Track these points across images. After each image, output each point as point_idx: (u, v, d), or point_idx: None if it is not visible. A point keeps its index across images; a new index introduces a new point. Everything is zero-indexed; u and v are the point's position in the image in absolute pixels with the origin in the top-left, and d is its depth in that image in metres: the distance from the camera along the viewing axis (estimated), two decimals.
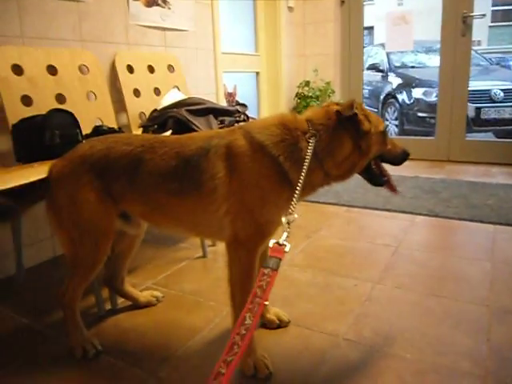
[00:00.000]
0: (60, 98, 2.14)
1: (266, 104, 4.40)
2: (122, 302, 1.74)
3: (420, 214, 2.67)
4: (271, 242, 1.04)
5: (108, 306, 1.71)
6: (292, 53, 4.44)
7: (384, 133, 1.34)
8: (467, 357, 1.35)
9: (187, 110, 2.22)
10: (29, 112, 1.95)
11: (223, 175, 1.24)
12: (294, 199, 1.13)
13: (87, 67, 2.32)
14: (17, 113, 1.91)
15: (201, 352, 1.42)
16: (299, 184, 1.14)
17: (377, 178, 1.38)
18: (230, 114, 2.44)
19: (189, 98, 2.41)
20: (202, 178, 1.25)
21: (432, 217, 2.63)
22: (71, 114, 1.85)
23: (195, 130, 2.10)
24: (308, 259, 2.09)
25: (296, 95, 4.45)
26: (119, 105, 2.50)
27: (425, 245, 2.29)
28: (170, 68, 2.87)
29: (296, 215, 1.11)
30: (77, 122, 1.85)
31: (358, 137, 1.26)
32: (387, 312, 1.62)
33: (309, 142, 1.22)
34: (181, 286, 1.87)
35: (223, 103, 3.52)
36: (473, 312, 1.60)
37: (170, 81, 2.82)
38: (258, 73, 4.29)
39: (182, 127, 2.14)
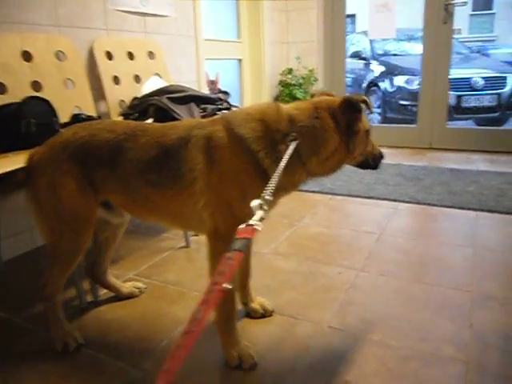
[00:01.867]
0: (36, 86, 2.08)
1: (249, 91, 4.35)
2: (104, 293, 1.71)
3: (403, 202, 2.68)
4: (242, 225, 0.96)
5: (89, 298, 1.68)
6: (275, 40, 4.40)
7: (368, 133, 1.31)
8: (450, 342, 1.36)
9: (168, 98, 2.18)
10: (3, 100, 1.88)
11: (202, 167, 1.21)
12: (267, 193, 1.00)
13: (64, 53, 2.24)
14: None
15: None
16: (271, 186, 1.03)
17: (372, 167, 1.39)
18: (212, 101, 2.40)
19: (170, 85, 2.36)
20: (181, 170, 1.23)
21: (414, 204, 2.65)
22: (47, 102, 1.79)
23: (177, 119, 2.06)
24: (292, 247, 2.08)
25: (279, 83, 4.42)
26: (98, 92, 2.44)
27: (408, 232, 2.30)
28: (151, 55, 2.81)
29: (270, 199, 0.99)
30: (53, 110, 1.79)
31: (347, 135, 1.23)
32: (371, 299, 1.63)
33: (288, 146, 1.16)
34: (164, 276, 1.85)
35: (205, 91, 3.47)
36: (455, 298, 1.62)
37: (150, 68, 2.76)
38: (240, 60, 4.23)
39: (164, 115, 2.10)
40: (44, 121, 1.73)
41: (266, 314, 1.53)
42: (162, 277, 1.84)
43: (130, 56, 2.66)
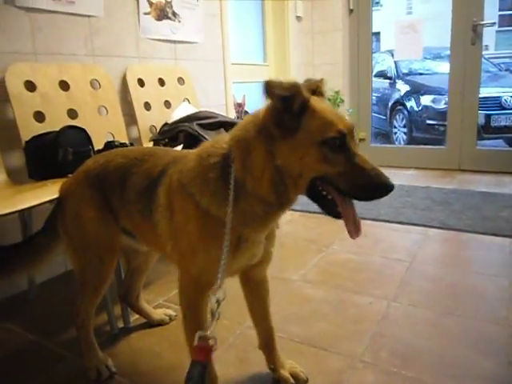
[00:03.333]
0: (72, 114, 2.15)
1: None
2: (134, 319, 1.73)
3: (433, 227, 2.63)
4: (197, 335, 0.88)
5: (121, 324, 1.70)
6: (300, 62, 4.44)
7: (327, 144, 0.90)
8: (487, 381, 1.32)
9: (198, 124, 2.22)
10: (41, 128, 1.96)
11: (164, 210, 1.13)
12: (224, 245, 0.95)
13: (98, 82, 2.32)
14: (30, 129, 1.92)
15: (219, 373, 1.40)
16: (227, 224, 0.94)
17: (328, 208, 0.99)
18: None
19: (200, 111, 2.41)
20: (152, 207, 1.16)
21: (445, 229, 2.59)
22: (84, 131, 1.85)
23: None
24: (321, 275, 2.06)
25: None
26: (130, 118, 2.51)
27: (439, 260, 2.26)
28: (180, 80, 2.87)
29: (221, 294, 0.93)
30: (89, 138, 1.85)
31: (273, 144, 0.93)
32: (403, 332, 1.59)
33: (230, 168, 0.98)
34: None
35: (233, 114, 3.52)
36: (491, 332, 1.57)
37: (180, 93, 2.83)
38: None
39: (194, 141, 2.13)
40: (80, 149, 1.78)
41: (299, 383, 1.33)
42: None
43: (161, 82, 2.73)
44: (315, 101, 0.94)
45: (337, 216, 0.99)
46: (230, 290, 1.95)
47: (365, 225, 2.77)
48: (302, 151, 0.91)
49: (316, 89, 1.04)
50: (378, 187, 0.92)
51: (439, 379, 1.33)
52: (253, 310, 1.36)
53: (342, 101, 4.36)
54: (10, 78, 1.92)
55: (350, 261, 2.21)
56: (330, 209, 0.98)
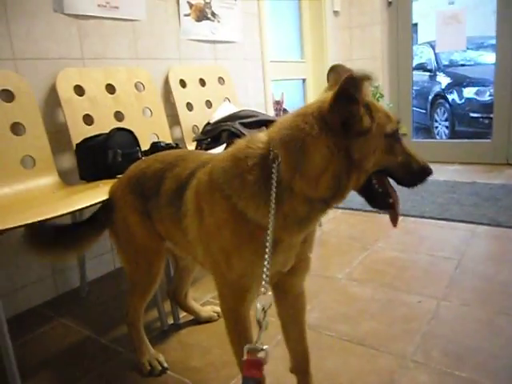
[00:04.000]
0: (118, 116, 2.21)
1: None
2: (183, 316, 1.77)
3: (481, 224, 2.55)
4: (245, 348, 0.80)
5: (171, 320, 1.74)
6: (338, 58, 4.38)
7: (393, 136, 0.94)
8: None
9: (241, 123, 2.24)
10: (90, 131, 2.03)
11: (193, 214, 1.09)
12: (267, 250, 0.86)
13: (142, 84, 2.38)
14: (79, 132, 1.99)
15: (267, 370, 1.40)
16: (269, 228, 0.87)
17: (379, 200, 0.98)
18: None
19: (241, 110, 2.42)
20: (181, 211, 1.13)
21: (494, 226, 2.50)
22: (131, 133, 1.90)
23: None
24: (367, 273, 2.04)
25: None
26: (173, 119, 2.55)
27: (489, 257, 2.18)
28: (221, 80, 2.90)
29: (266, 302, 0.82)
30: (136, 140, 1.90)
31: (347, 139, 0.88)
32: (455, 331, 1.55)
33: (272, 168, 0.91)
34: None
35: (272, 112, 3.53)
36: None
37: (220, 93, 2.86)
38: (304, 80, 4.26)
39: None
40: (129, 150, 1.83)
41: None
42: None
43: (202, 83, 2.77)
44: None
45: (387, 207, 1.00)
46: None
47: (408, 222, 2.74)
48: (374, 145, 0.91)
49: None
50: (426, 171, 0.97)
51: (495, 380, 1.29)
52: (287, 329, 1.23)
53: (382, 96, 4.28)
54: (60, 84, 2.00)
55: (396, 259, 2.17)
56: (381, 201, 0.99)
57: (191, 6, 2.75)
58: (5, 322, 1.26)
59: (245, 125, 2.25)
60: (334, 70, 1.05)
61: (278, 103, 3.79)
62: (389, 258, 2.19)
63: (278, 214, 0.91)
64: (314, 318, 1.68)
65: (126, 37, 2.37)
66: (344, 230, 2.64)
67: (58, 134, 2.02)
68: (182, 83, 2.64)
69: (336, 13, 4.29)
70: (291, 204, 0.92)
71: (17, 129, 1.85)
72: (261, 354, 0.80)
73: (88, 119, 2.07)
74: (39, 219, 1.32)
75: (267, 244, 0.87)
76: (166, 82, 2.59)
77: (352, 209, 2.96)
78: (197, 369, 1.46)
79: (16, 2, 1.90)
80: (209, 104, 2.76)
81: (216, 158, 1.07)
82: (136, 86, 2.35)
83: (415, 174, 0.97)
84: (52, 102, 2.02)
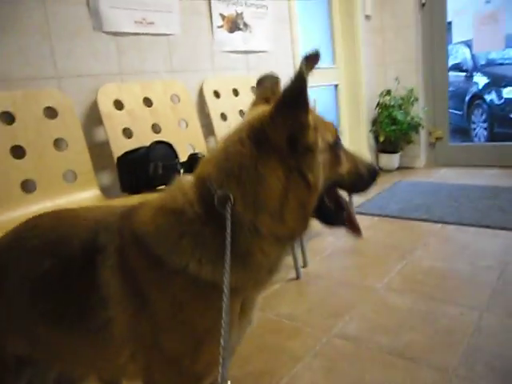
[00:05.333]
0: (155, 128, 2.27)
1: (346, 116, 4.33)
2: None
3: None
4: None
5: None
6: (371, 62, 4.34)
7: (336, 146, 0.82)
8: None
9: None
10: (130, 144, 2.09)
11: (121, 303, 0.78)
12: (223, 320, 0.64)
13: (178, 96, 2.44)
14: (120, 145, 2.06)
15: (307, 381, 1.42)
16: (225, 289, 0.66)
17: (333, 217, 0.85)
18: None
19: None
20: (91, 301, 0.80)
21: None
22: (170, 145, 1.95)
23: None
24: (406, 283, 2.01)
25: (377, 105, 4.34)
26: (207, 129, 2.60)
27: None
28: (253, 89, 2.92)
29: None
30: (175, 152, 1.95)
31: (294, 157, 0.74)
32: (500, 345, 1.51)
33: (226, 212, 0.72)
34: (277, 309, 1.89)
35: None
36: None
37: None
38: (336, 85, 4.24)
39: None
40: (168, 163, 1.87)
41: None
42: (275, 310, 1.88)
43: (235, 93, 2.80)
44: None
45: (342, 222, 0.87)
46: (310, 299, 1.96)
47: (447, 229, 2.67)
48: (322, 159, 0.77)
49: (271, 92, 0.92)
50: (373, 173, 0.88)
51: None
52: None
53: (417, 99, 4.20)
54: (101, 99, 2.08)
55: (436, 268, 2.13)
56: (336, 217, 0.86)
57: (224, 17, 2.80)
58: None
59: None
60: (261, 84, 0.96)
61: None
62: (428, 267, 2.15)
63: (252, 268, 0.75)
64: (353, 328, 1.67)
65: (161, 51, 2.43)
66: (381, 239, 2.60)
67: (97, 148, 2.09)
68: (216, 94, 2.68)
69: (368, 17, 4.25)
70: (263, 250, 0.75)
71: (59, 144, 1.93)
72: None
73: (127, 132, 2.14)
74: None
75: (224, 310, 0.65)
76: (201, 93, 2.63)
77: (388, 216, 2.92)
78: (236, 378, 1.47)
79: (58, 23, 1.98)
80: (242, 114, 2.79)
81: (135, 220, 0.81)
82: (171, 98, 2.41)
83: (365, 178, 0.87)
84: (92, 117, 2.10)
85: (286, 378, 1.45)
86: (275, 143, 0.73)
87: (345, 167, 0.84)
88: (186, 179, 0.80)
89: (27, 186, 1.79)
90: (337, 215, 0.86)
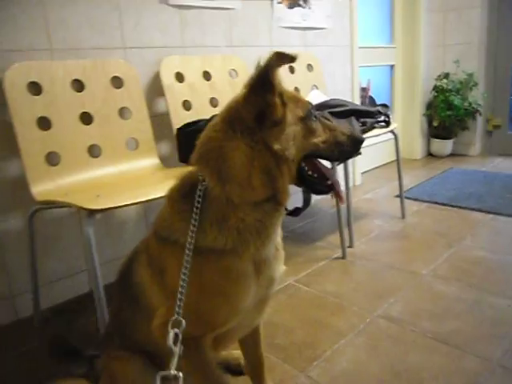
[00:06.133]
0: (213, 102, 2.33)
1: (400, 98, 4.23)
2: None
3: None
4: (157, 378, 0.77)
5: None
6: (430, 43, 4.19)
7: (308, 118, 0.91)
8: None
9: (330, 113, 2.26)
10: (188, 116, 2.16)
11: (149, 279, 1.00)
12: (183, 268, 0.84)
13: (236, 71, 2.47)
14: (179, 117, 2.13)
15: (349, 357, 1.47)
16: (187, 247, 0.85)
17: (317, 186, 0.96)
18: (371, 115, 2.42)
19: (331, 99, 2.44)
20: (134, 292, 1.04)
21: None
22: None
23: None
24: (453, 271, 2.00)
25: (433, 88, 4.20)
26: None
27: None
28: (309, 67, 2.92)
29: (183, 321, 0.83)
30: None
31: (261, 131, 0.85)
32: None
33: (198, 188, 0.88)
34: (322, 286, 1.94)
35: (357, 99, 3.49)
36: None
37: (308, 80, 2.88)
38: (392, 65, 4.14)
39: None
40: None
41: None
42: (320, 286, 1.94)
43: (291, 69, 2.80)
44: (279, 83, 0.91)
45: (327, 190, 0.98)
46: (355, 278, 2.00)
47: (499, 221, 2.62)
48: (291, 132, 0.88)
49: None
50: (356, 140, 0.96)
51: None
52: (244, 339, 1.21)
53: (476, 84, 4.04)
54: (163, 71, 2.15)
55: (484, 259, 2.10)
56: (319, 185, 0.97)
57: None
58: None
59: (334, 114, 2.26)
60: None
61: (363, 90, 3.73)
62: (476, 257, 2.13)
63: (230, 232, 0.87)
64: (397, 311, 1.71)
65: (222, 25, 2.46)
66: (429, 225, 2.59)
67: (157, 118, 2.18)
68: None
69: None
70: (238, 215, 0.87)
71: (124, 113, 2.02)
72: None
73: (186, 105, 2.20)
74: (138, 201, 1.47)
75: (186, 256, 0.84)
76: None
77: (438, 203, 2.88)
78: (281, 347, 1.55)
79: None
80: (296, 91, 2.79)
81: (156, 218, 1.00)
82: (230, 72, 2.45)
83: (344, 147, 0.95)
84: (154, 88, 2.18)
85: (329, 351, 1.51)
86: (245, 121, 0.85)
87: (321, 137, 0.93)
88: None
89: (93, 151, 1.90)
90: (320, 184, 0.96)
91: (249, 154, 0.85)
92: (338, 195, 1.01)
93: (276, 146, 0.85)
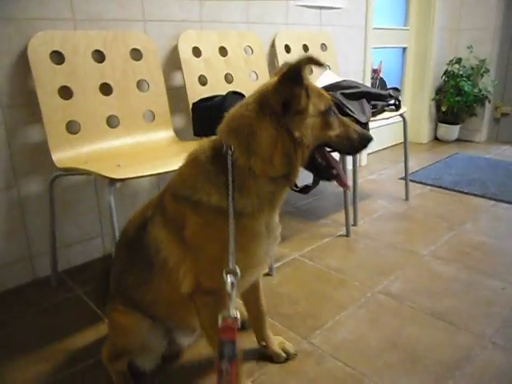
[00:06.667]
0: (228, 78, 2.37)
1: (411, 81, 4.25)
2: (276, 267, 1.96)
3: None
4: (220, 316, 0.90)
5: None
6: (444, 26, 4.17)
7: (327, 113, 1.03)
8: None
9: (342, 94, 2.30)
10: (204, 91, 2.21)
11: (167, 238, 1.09)
12: (231, 231, 0.96)
13: (251, 48, 2.50)
14: (195, 92, 2.18)
15: (349, 328, 1.57)
16: (229, 209, 0.97)
17: (323, 172, 1.10)
18: (382, 98, 2.46)
19: (343, 80, 2.47)
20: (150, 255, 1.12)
21: None
22: (244, 96, 2.04)
23: (349, 115, 2.18)
24: (452, 253, 2.09)
25: (444, 73, 4.21)
26: None
27: None
28: (323, 46, 2.94)
29: (239, 271, 0.95)
30: None
31: (286, 118, 0.97)
32: None
33: (227, 155, 0.99)
34: (326, 261, 2.03)
35: (368, 80, 3.51)
36: None
37: (322, 59, 2.89)
38: (405, 48, 4.13)
39: (338, 111, 2.23)
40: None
41: (289, 357, 1.42)
42: (324, 261, 2.03)
43: (305, 48, 2.83)
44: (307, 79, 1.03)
45: (332, 177, 1.12)
46: (357, 255, 2.09)
47: (500, 207, 2.69)
48: (311, 122, 1.00)
49: None
50: (365, 138, 1.08)
51: None
52: (246, 295, 1.36)
53: (488, 70, 4.04)
54: (181, 45, 2.18)
55: (483, 243, 2.19)
56: (326, 172, 1.11)
57: None
58: None
59: (346, 95, 2.30)
60: (284, 65, 1.12)
61: (375, 71, 3.75)
62: (476, 241, 2.21)
63: (252, 197, 1.01)
64: (397, 288, 1.80)
65: (240, 1, 2.48)
66: (431, 208, 2.66)
67: (173, 91, 2.22)
68: (287, 48, 2.72)
69: None
70: (257, 184, 1.01)
71: (141, 85, 2.07)
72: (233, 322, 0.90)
73: (202, 80, 2.25)
74: (156, 172, 1.56)
75: (231, 222, 0.96)
76: (272, 47, 2.68)
77: (441, 187, 2.95)
78: (286, 315, 1.65)
79: None
80: (310, 70, 2.82)
81: (170, 181, 1.12)
82: (245, 49, 2.48)
83: (354, 143, 1.07)
84: (171, 61, 2.22)
85: (330, 321, 1.61)
86: (274, 106, 0.97)
87: (335, 131, 1.05)
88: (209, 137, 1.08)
89: (111, 122, 1.96)
90: (326, 170, 1.10)
91: (274, 135, 0.97)
92: (342, 184, 1.14)
93: (297, 133, 0.98)
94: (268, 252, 1.14)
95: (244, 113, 1.01)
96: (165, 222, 1.08)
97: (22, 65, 1.75)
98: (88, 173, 1.60)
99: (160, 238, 1.09)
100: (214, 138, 1.06)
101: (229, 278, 0.94)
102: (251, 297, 1.37)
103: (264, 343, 1.42)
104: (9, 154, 1.81)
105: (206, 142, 1.07)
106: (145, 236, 1.11)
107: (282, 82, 0.96)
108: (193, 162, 1.06)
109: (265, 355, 1.42)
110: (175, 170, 1.20)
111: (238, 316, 0.90)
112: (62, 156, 1.77)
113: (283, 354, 1.41)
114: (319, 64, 1.00)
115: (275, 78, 1.00)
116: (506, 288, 1.79)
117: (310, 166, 1.07)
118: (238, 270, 0.95)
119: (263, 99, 0.99)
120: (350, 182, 1.18)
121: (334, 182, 1.14)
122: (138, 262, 1.15)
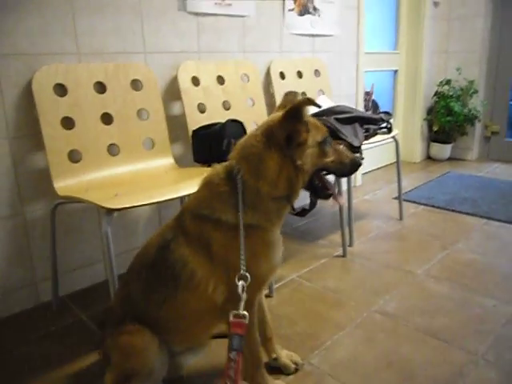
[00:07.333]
0: (226, 105, 2.46)
1: (403, 102, 4.37)
2: (275, 288, 2.01)
3: None
4: (231, 315, 1.07)
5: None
6: (434, 49, 4.32)
7: (324, 143, 1.20)
8: None
9: (336, 119, 2.39)
10: (203, 118, 2.29)
11: (193, 255, 1.19)
12: (241, 246, 1.11)
13: (247, 76, 2.60)
14: (194, 119, 2.26)
15: (347, 347, 1.62)
16: (240, 225, 1.12)
17: (320, 192, 1.29)
18: (374, 122, 2.55)
19: (337, 105, 2.57)
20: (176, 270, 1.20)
21: None
22: (242, 124, 2.13)
23: (342, 139, 2.27)
24: (445, 272, 2.15)
25: (435, 94, 4.34)
26: (271, 108, 2.75)
27: None
28: (317, 72, 3.05)
29: (248, 275, 1.11)
30: (245, 130, 2.13)
31: (290, 150, 1.14)
32: None
33: (237, 177, 1.14)
34: (323, 282, 2.09)
35: (361, 103, 3.62)
36: None
37: (315, 85, 3.01)
38: (396, 71, 4.26)
39: (331, 136, 2.31)
40: (239, 140, 2.06)
41: (298, 367, 1.51)
42: (321, 282, 2.09)
43: (299, 75, 2.94)
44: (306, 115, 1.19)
45: (328, 196, 1.31)
46: (354, 276, 2.14)
47: (492, 225, 2.76)
48: (310, 152, 1.17)
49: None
50: (355, 163, 1.26)
51: None
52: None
53: (476, 91, 4.17)
54: (181, 75, 2.27)
55: (476, 261, 2.25)
56: (322, 192, 1.29)
57: (295, 0, 2.90)
58: None
59: (339, 120, 2.39)
60: (286, 96, 1.34)
61: (367, 94, 3.86)
62: (468, 259, 2.27)
63: (262, 212, 1.17)
64: (392, 307, 1.86)
65: (236, 31, 2.59)
66: (425, 227, 2.73)
67: (172, 120, 2.31)
68: (282, 75, 2.83)
69: (436, 3, 4.20)
70: (264, 203, 1.17)
71: (142, 114, 2.14)
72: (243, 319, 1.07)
73: (201, 107, 2.34)
74: (153, 201, 1.58)
75: (241, 230, 1.12)
76: (267, 74, 2.79)
77: (434, 206, 3.03)
78: (285, 336, 1.70)
79: (149, 3, 2.17)
80: (304, 95, 2.92)
81: (186, 204, 1.26)
82: (242, 77, 2.58)
83: (347, 167, 1.25)
84: (171, 91, 2.31)
85: (328, 341, 1.66)
86: (279, 139, 1.13)
87: (330, 158, 1.23)
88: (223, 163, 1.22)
89: (112, 150, 2.03)
90: (322, 191, 1.29)
91: (280, 164, 1.15)
92: (336, 201, 1.36)
93: (299, 162, 1.15)
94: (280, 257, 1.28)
95: (253, 143, 1.17)
96: (188, 240, 1.19)
97: (28, 97, 1.83)
98: (88, 202, 1.63)
99: (186, 254, 1.18)
100: (225, 164, 1.21)
101: (240, 282, 1.10)
102: (259, 314, 1.43)
103: (275, 355, 1.51)
104: (15, 182, 1.88)
105: (218, 167, 1.22)
106: (169, 255, 1.19)
107: (286, 119, 1.13)
108: (207, 184, 1.20)
109: (274, 368, 1.49)
110: (171, 199, 1.31)
111: (246, 314, 1.06)
112: (63, 184, 1.82)
113: (292, 365, 1.51)
114: (316, 105, 1.16)
115: (279, 114, 1.16)
116: (496, 305, 1.85)
117: (309, 187, 1.25)
118: (252, 275, 1.11)
119: (269, 133, 1.15)
120: (343, 200, 1.39)
121: (330, 202, 1.31)
122: (163, 279, 1.21)
